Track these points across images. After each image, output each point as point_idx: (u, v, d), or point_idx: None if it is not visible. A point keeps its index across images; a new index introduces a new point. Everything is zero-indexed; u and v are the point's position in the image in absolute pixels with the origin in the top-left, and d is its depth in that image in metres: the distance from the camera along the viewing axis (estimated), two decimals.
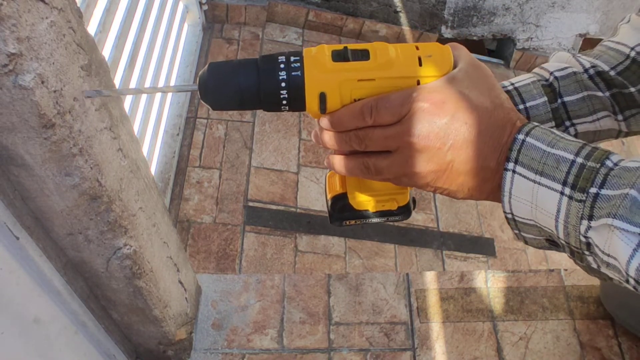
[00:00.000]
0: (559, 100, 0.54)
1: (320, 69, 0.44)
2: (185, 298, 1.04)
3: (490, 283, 1.27)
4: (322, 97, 0.44)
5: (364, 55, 0.44)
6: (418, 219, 1.98)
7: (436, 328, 1.20)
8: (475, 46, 2.88)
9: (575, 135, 0.56)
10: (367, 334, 1.17)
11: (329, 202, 0.55)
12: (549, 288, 1.28)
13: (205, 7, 2.23)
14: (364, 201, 0.53)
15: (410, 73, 0.44)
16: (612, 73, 0.54)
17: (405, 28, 2.58)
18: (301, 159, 2.01)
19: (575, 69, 0.56)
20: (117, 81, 1.36)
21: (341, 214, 0.54)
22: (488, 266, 1.91)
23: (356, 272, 1.67)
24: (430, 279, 1.27)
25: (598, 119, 0.55)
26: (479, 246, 1.97)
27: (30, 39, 0.46)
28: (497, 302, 1.25)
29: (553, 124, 0.54)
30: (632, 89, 0.54)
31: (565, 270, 1.32)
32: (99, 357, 0.89)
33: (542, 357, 1.18)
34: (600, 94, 0.55)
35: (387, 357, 1.15)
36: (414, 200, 0.55)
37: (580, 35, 2.66)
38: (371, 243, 1.86)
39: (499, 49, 2.88)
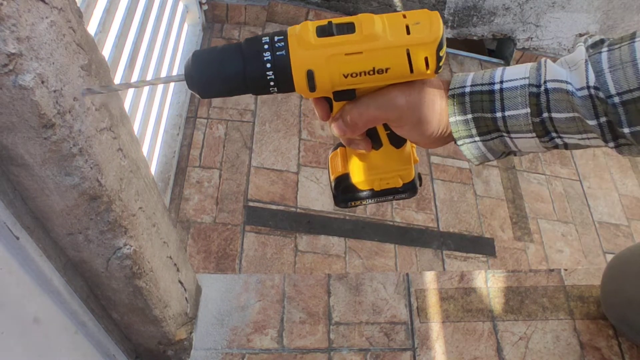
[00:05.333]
0: (545, 114, 0.49)
1: (305, 46, 0.42)
2: (185, 298, 1.04)
3: (490, 283, 1.28)
4: (310, 75, 0.43)
5: (349, 28, 0.43)
6: (418, 219, 1.98)
7: (436, 328, 1.20)
8: (475, 46, 2.88)
9: (565, 145, 0.52)
10: (367, 333, 1.17)
11: (333, 184, 0.53)
12: (549, 288, 1.28)
13: (205, 7, 2.23)
14: (367, 180, 0.51)
15: (398, 42, 0.43)
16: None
17: None
18: (301, 158, 2.01)
19: (569, 88, 0.49)
20: (117, 81, 1.36)
21: (345, 195, 0.52)
22: (488, 266, 1.91)
23: (356, 272, 1.67)
24: (430, 279, 1.27)
25: (588, 139, 0.51)
26: (479, 246, 1.97)
27: (30, 38, 0.46)
28: (497, 302, 1.25)
29: (534, 134, 0.50)
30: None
31: (565, 270, 1.32)
32: (99, 357, 0.89)
33: (542, 357, 1.18)
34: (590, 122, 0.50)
35: (387, 357, 1.15)
36: (419, 177, 0.53)
37: (581, 35, 2.66)
38: (371, 243, 1.86)
39: (499, 49, 2.87)
